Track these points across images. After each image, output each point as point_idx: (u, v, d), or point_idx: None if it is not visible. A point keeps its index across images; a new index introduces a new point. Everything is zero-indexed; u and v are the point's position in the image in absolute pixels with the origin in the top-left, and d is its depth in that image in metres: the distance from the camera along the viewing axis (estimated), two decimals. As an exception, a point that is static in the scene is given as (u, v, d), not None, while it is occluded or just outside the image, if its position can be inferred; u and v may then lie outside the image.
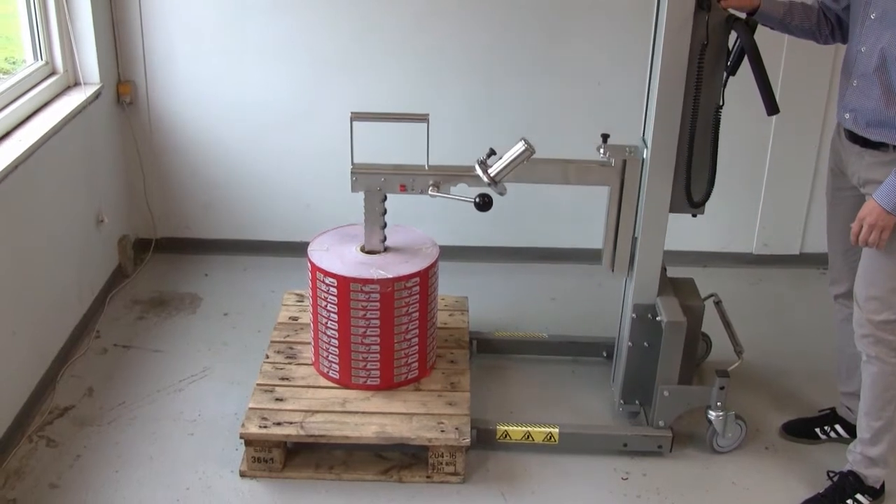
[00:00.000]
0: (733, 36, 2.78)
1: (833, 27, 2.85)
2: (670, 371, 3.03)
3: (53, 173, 3.44)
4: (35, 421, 3.21)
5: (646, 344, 3.12)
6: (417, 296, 3.11)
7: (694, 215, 3.03)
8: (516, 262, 4.35)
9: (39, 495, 2.89)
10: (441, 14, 3.99)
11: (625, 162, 2.99)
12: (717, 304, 3.38)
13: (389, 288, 3.04)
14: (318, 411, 3.04)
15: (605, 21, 3.99)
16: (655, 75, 2.83)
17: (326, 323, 3.13)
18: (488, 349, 3.64)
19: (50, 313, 3.45)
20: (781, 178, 4.28)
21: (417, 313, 3.14)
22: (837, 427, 3.19)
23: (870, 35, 2.59)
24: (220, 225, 4.40)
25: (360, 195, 3.09)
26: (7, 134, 3.27)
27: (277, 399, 3.09)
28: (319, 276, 3.08)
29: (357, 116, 3.03)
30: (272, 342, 3.41)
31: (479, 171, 2.97)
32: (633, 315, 3.10)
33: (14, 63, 3.77)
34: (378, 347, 3.11)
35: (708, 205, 3.02)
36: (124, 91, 4.08)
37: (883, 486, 2.93)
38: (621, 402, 3.24)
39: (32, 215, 3.27)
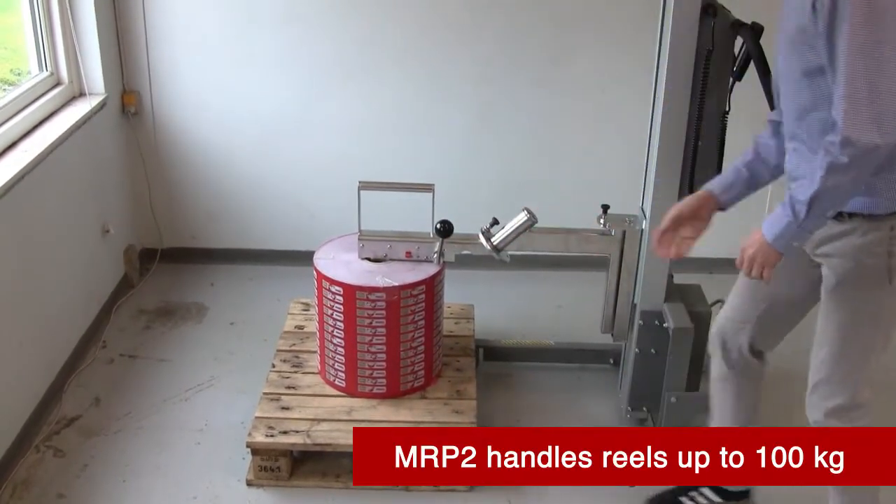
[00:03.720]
0: (739, 41, 2.78)
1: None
2: (678, 377, 3.03)
3: (59, 184, 3.45)
4: (42, 431, 3.21)
5: (653, 350, 3.12)
6: (423, 304, 3.10)
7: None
8: (522, 270, 4.35)
9: (46, 505, 2.89)
10: (445, 24, 4.00)
11: (624, 232, 3.09)
12: (724, 310, 3.37)
13: (395, 296, 3.04)
14: (324, 420, 3.04)
15: (610, 27, 3.99)
16: (661, 81, 2.83)
17: (332, 331, 3.12)
18: (495, 357, 3.63)
19: (56, 323, 3.45)
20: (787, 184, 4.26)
21: (423, 321, 3.13)
22: None
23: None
24: (225, 234, 4.40)
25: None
26: (12, 144, 3.28)
27: (284, 408, 3.09)
28: (325, 284, 3.08)
29: (364, 186, 3.10)
30: (278, 351, 3.41)
31: (482, 240, 3.07)
32: (640, 322, 3.10)
33: (19, 74, 3.78)
34: (384, 356, 3.11)
35: (714, 211, 3.02)
36: (129, 101, 4.08)
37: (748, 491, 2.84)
38: (629, 408, 3.24)
39: (38, 226, 3.28)
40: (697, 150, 2.86)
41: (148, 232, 4.36)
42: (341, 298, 3.05)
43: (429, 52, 4.06)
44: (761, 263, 2.25)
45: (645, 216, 3.04)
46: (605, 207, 3.14)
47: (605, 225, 3.12)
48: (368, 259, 3.19)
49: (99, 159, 3.85)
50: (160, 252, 4.39)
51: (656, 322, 3.08)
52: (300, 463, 3.05)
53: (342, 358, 3.14)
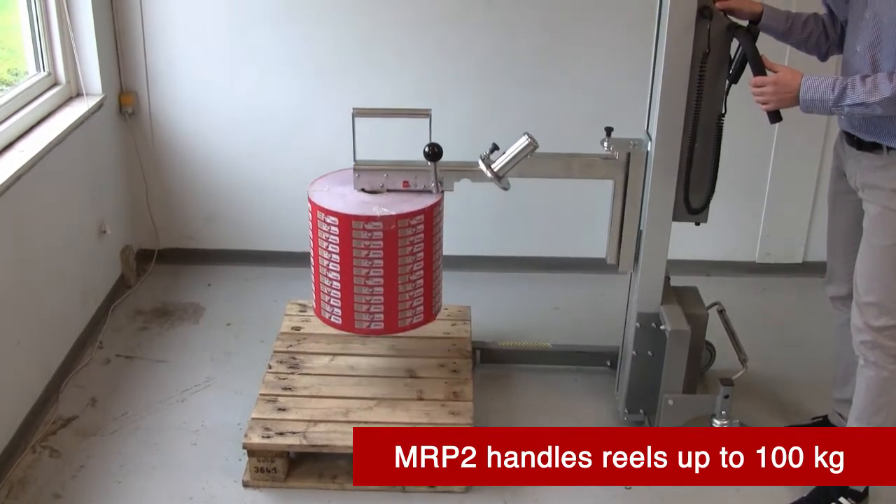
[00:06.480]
0: (735, 44, 2.78)
1: (832, 43, 2.84)
2: (674, 380, 3.02)
3: (56, 184, 3.45)
4: (38, 431, 3.21)
5: (650, 353, 3.11)
6: (422, 234, 3.00)
7: (697, 224, 3.03)
8: (519, 272, 4.35)
9: (42, 506, 2.89)
10: (446, 22, 4.00)
11: (629, 155, 2.98)
12: (721, 312, 3.37)
13: (393, 226, 2.93)
14: (320, 421, 3.04)
15: (609, 26, 3.99)
16: (657, 83, 2.83)
17: (328, 265, 3.02)
18: (492, 359, 3.63)
19: (53, 324, 3.45)
20: (784, 186, 4.27)
21: (422, 253, 3.02)
22: None
23: (864, 34, 2.58)
24: (222, 235, 4.40)
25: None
26: (9, 145, 3.28)
27: (280, 409, 3.08)
28: (320, 215, 2.98)
29: (359, 113, 3.02)
30: (275, 352, 3.41)
31: (482, 167, 2.96)
32: (637, 324, 3.10)
33: (17, 74, 3.78)
34: (381, 290, 3.01)
35: (711, 214, 3.02)
36: (126, 102, 4.08)
37: (867, 490, 2.90)
38: (625, 411, 3.24)
39: (35, 226, 3.28)
40: (693, 152, 2.86)
41: (145, 232, 4.36)
42: (336, 230, 2.94)
43: (428, 50, 4.05)
44: (776, 100, 2.57)
45: (651, 138, 2.92)
46: (609, 130, 3.02)
47: (608, 148, 3.01)
48: (364, 190, 3.09)
49: (96, 160, 3.85)
50: (157, 253, 4.39)
51: (653, 324, 3.08)
52: (296, 464, 3.05)
53: (338, 293, 3.04)
